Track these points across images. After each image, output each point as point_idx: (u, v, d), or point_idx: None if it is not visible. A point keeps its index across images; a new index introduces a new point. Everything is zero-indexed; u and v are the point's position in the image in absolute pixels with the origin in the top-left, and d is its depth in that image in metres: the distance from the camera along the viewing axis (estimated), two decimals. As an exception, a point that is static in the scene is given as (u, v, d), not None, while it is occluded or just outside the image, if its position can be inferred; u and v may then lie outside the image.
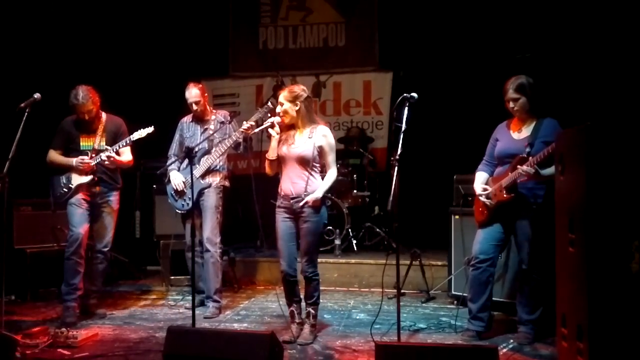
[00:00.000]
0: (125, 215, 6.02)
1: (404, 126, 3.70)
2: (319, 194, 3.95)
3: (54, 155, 4.76)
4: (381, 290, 4.88)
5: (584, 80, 5.87)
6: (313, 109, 4.12)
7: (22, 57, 6.45)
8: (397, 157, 3.66)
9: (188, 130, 5.10)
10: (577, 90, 5.86)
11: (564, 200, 3.39)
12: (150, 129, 4.68)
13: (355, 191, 6.70)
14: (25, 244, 5.47)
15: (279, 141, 4.04)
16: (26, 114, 4.21)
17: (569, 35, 6.09)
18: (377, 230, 6.65)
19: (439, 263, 5.60)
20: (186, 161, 4.93)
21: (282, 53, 7.86)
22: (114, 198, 4.86)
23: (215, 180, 4.97)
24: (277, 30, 7.90)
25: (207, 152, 4.94)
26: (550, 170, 3.76)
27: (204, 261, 4.94)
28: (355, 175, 6.74)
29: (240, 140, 4.81)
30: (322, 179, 4.10)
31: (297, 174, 4.00)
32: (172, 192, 5.01)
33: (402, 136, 3.69)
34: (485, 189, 4.12)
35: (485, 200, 4.08)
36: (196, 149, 4.76)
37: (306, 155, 3.96)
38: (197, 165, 4.89)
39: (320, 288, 4.24)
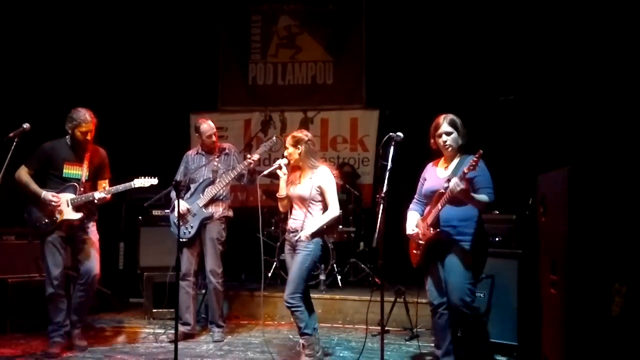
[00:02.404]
0: (109, 246, 5.98)
1: (389, 164, 3.78)
2: (308, 230, 4.18)
3: (25, 175, 4.59)
4: (365, 327, 4.87)
5: (567, 122, 5.96)
6: (314, 151, 4.39)
7: (12, 88, 6.49)
8: (383, 194, 3.71)
9: (193, 162, 5.28)
10: (560, 132, 5.94)
11: (546, 242, 3.44)
12: (154, 181, 4.76)
13: (340, 227, 6.71)
14: (7, 274, 5.38)
15: (288, 181, 4.34)
16: (14, 143, 4.22)
17: (553, 78, 6.20)
18: (362, 266, 6.66)
19: (423, 301, 5.54)
20: (190, 191, 5.16)
21: (271, 89, 7.98)
22: (93, 229, 4.80)
23: (218, 210, 5.15)
24: (266, 66, 8.03)
25: (212, 182, 5.13)
26: (482, 196, 3.64)
27: (207, 290, 5.23)
28: (340, 211, 6.74)
29: (245, 172, 4.94)
30: None
31: (298, 211, 4.34)
32: (175, 221, 5.01)
33: (387, 174, 3.76)
34: (414, 230, 4.00)
35: (417, 240, 3.95)
36: (186, 181, 5.08)
37: (304, 195, 4.25)
38: (202, 195, 5.10)
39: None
